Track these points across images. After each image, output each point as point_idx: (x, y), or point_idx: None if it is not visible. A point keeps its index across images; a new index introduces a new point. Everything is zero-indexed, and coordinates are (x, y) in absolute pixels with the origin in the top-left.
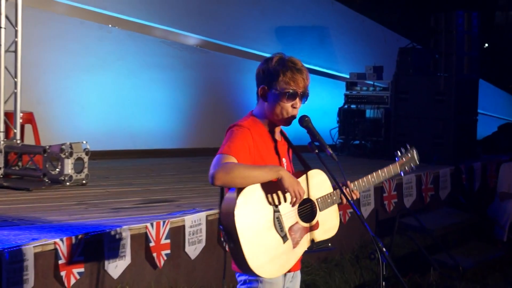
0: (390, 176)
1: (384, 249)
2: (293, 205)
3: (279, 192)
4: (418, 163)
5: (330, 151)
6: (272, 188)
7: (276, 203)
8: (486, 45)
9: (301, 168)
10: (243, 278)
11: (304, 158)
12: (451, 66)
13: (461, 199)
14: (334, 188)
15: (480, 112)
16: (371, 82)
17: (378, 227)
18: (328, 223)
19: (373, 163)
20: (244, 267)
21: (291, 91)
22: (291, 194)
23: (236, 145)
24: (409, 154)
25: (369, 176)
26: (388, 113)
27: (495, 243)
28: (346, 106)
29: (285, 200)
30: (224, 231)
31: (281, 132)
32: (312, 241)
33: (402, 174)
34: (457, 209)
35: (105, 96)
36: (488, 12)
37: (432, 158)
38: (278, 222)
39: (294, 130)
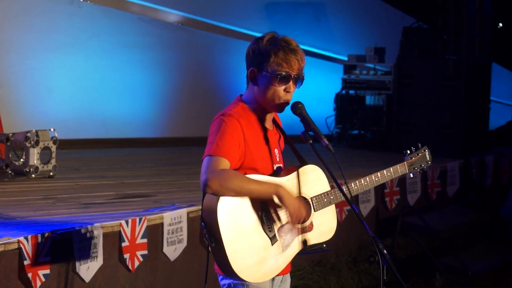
0: (396, 176)
1: (385, 251)
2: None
3: (275, 207)
4: (430, 163)
5: (326, 141)
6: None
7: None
8: (500, 25)
9: (294, 161)
10: (226, 282)
11: (298, 150)
12: (461, 48)
13: (471, 196)
14: (332, 187)
15: (492, 99)
16: (372, 66)
17: (379, 227)
18: (324, 225)
19: (373, 155)
20: (227, 269)
21: (283, 73)
22: (291, 217)
23: (226, 143)
24: (419, 153)
25: (373, 175)
26: (390, 100)
27: (509, 245)
28: (343, 92)
29: (279, 219)
30: (206, 229)
31: (274, 120)
32: (305, 244)
33: (412, 175)
34: (466, 208)
35: (76, 79)
36: None
37: (439, 150)
38: (266, 222)
39: (286, 118)
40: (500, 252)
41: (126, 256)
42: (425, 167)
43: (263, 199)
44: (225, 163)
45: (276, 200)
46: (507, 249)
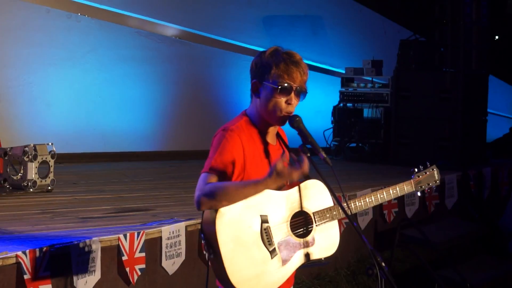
0: (402, 194)
1: (383, 264)
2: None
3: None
4: (438, 182)
5: (324, 154)
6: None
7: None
8: (497, 37)
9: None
10: None
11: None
12: (458, 60)
13: (470, 209)
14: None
15: (490, 111)
16: (369, 78)
17: (377, 240)
18: (326, 240)
19: (372, 168)
20: (225, 282)
21: (285, 84)
22: (291, 177)
23: (223, 159)
24: (427, 172)
25: (378, 193)
26: (388, 112)
27: (509, 257)
28: (341, 105)
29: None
30: (205, 241)
31: (278, 136)
32: (307, 258)
33: (419, 194)
34: (465, 220)
35: (74, 93)
36: (499, 1)
37: (436, 163)
38: (266, 235)
39: (285, 132)
40: (499, 264)
41: (127, 269)
42: (433, 186)
43: (257, 193)
44: (217, 179)
45: (268, 191)
46: (506, 261)
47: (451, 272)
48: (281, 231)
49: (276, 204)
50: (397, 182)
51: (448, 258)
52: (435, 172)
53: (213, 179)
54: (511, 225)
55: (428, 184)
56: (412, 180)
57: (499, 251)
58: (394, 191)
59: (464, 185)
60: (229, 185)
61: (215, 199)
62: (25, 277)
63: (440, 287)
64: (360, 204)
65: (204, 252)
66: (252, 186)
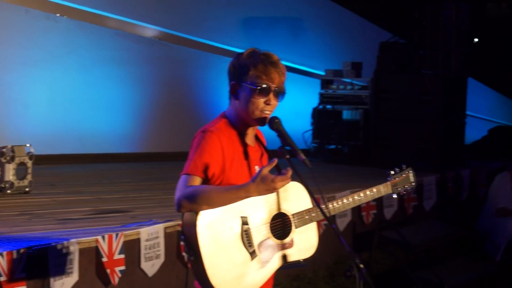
0: (379, 196)
1: (361, 266)
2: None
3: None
4: (414, 185)
5: (303, 156)
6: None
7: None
8: (476, 40)
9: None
10: None
11: (280, 168)
12: (437, 63)
13: (448, 211)
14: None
15: (469, 114)
16: (349, 80)
17: (355, 241)
18: (305, 242)
19: (351, 170)
20: (205, 283)
21: (263, 85)
22: (273, 185)
23: (204, 160)
24: (403, 174)
25: (355, 195)
26: (367, 114)
27: (485, 259)
28: (321, 107)
29: (259, 234)
30: (185, 242)
31: (257, 138)
32: (285, 260)
33: (395, 196)
34: (443, 222)
35: (52, 94)
36: (478, 4)
37: (415, 164)
38: (246, 236)
39: (264, 133)
40: (477, 266)
41: (108, 271)
42: (409, 188)
43: (238, 200)
44: (197, 181)
45: (249, 199)
46: (483, 263)
47: (429, 274)
48: (261, 232)
49: (256, 206)
50: (376, 184)
51: (426, 260)
52: (411, 175)
53: (193, 181)
54: (487, 227)
55: (404, 187)
56: (388, 182)
57: (476, 253)
58: (371, 193)
59: (443, 187)
60: (210, 190)
61: (196, 202)
62: (1, 279)
63: None
64: (338, 205)
65: (184, 254)
66: (234, 192)
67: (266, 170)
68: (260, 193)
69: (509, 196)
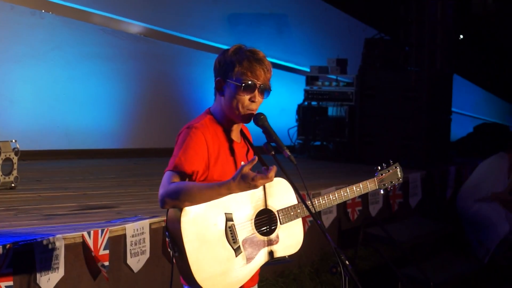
0: (366, 192)
1: (347, 262)
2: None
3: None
4: (401, 180)
5: (288, 153)
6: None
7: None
8: (461, 36)
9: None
10: None
11: (267, 164)
12: (423, 59)
13: (433, 207)
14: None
15: (454, 111)
16: (334, 77)
17: (341, 238)
18: (290, 238)
19: (336, 167)
20: (190, 279)
21: (249, 82)
22: (255, 182)
23: (189, 157)
24: (390, 170)
25: (341, 190)
26: (352, 111)
27: (471, 256)
28: (306, 103)
29: (244, 231)
30: (169, 238)
31: (242, 133)
32: (271, 256)
33: (382, 191)
34: (429, 219)
35: (38, 90)
36: (464, 0)
37: (401, 161)
38: (230, 233)
39: (249, 130)
40: (462, 263)
41: (92, 267)
42: (396, 184)
43: (220, 196)
44: (181, 177)
45: (231, 192)
46: (468, 260)
47: (414, 271)
48: (245, 229)
49: (241, 202)
50: (362, 180)
51: (412, 257)
52: (398, 170)
53: (177, 177)
54: (483, 233)
55: (391, 182)
56: (375, 178)
57: (462, 250)
58: (358, 189)
59: (428, 184)
60: (192, 187)
61: (178, 199)
62: None
63: (403, 285)
64: (324, 202)
65: (169, 250)
66: (215, 189)
67: (247, 168)
68: (242, 190)
69: (503, 180)
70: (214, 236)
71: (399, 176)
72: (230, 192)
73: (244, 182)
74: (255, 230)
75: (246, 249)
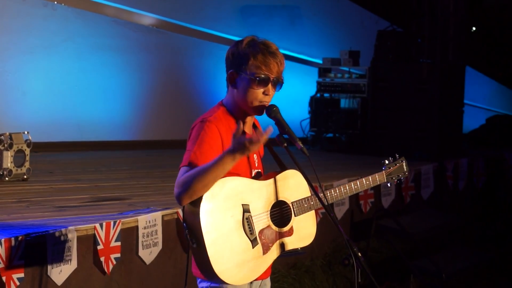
0: (375, 185)
1: (359, 254)
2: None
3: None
4: (407, 174)
5: (301, 144)
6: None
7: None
8: (474, 28)
9: (275, 166)
10: (204, 285)
11: (278, 156)
12: (435, 51)
13: (446, 200)
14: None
15: (466, 103)
16: (347, 69)
17: (353, 230)
18: (304, 230)
19: (348, 159)
20: (208, 271)
21: (262, 76)
22: (255, 147)
23: (204, 151)
24: (397, 163)
25: (352, 183)
26: (365, 103)
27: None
28: (318, 95)
29: (261, 222)
30: (187, 230)
31: (254, 126)
32: (284, 248)
33: (389, 185)
34: (441, 210)
35: (50, 81)
36: None
37: (413, 153)
38: (247, 224)
39: (261, 122)
40: (473, 255)
41: (102, 259)
42: (402, 178)
43: (225, 169)
44: None
45: (234, 159)
46: (480, 252)
47: (426, 263)
48: (262, 220)
49: (257, 194)
50: (373, 172)
51: (424, 249)
52: (404, 164)
53: None
54: None
55: (398, 176)
56: (384, 172)
57: (474, 241)
58: (368, 182)
59: (441, 176)
60: (198, 168)
61: (190, 187)
62: None
63: (415, 277)
64: (336, 194)
65: (187, 241)
66: (219, 160)
67: (237, 134)
68: (241, 153)
69: None
70: (232, 227)
71: (405, 170)
72: (233, 158)
73: (239, 143)
74: (270, 221)
75: (262, 240)
